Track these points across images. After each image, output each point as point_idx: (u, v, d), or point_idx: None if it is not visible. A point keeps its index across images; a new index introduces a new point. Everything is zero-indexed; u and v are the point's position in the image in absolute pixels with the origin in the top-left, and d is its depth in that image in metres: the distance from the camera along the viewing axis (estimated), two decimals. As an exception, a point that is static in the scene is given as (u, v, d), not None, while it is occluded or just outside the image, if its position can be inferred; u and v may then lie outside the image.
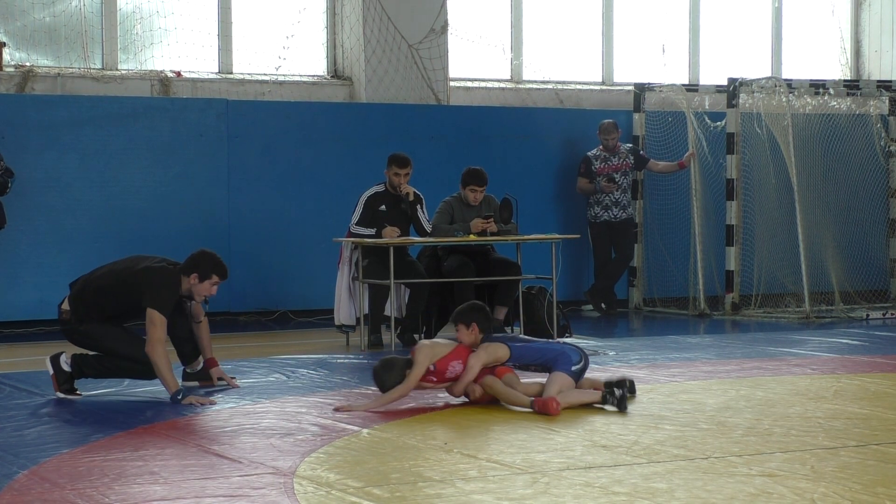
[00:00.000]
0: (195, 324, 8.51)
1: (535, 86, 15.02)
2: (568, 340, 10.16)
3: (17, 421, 7.29)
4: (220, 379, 8.51)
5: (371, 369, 7.69)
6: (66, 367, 8.20)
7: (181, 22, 13.42)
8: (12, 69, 12.71)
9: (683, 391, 8.17)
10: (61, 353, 8.28)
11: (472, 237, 11.03)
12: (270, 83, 13.71)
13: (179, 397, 7.81)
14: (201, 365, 8.57)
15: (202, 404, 7.75)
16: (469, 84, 14.70)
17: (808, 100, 14.22)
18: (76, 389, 8.20)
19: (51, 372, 8.21)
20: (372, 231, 10.93)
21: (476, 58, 14.82)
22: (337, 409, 7.43)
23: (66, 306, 8.33)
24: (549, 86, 15.05)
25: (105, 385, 8.54)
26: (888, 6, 16.61)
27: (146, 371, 8.03)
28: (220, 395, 8.16)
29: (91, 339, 8.27)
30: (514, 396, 7.49)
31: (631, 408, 7.45)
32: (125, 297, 8.12)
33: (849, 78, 16.32)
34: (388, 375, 7.50)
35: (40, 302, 12.12)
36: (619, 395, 7.45)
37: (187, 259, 8.17)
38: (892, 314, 13.51)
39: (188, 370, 8.59)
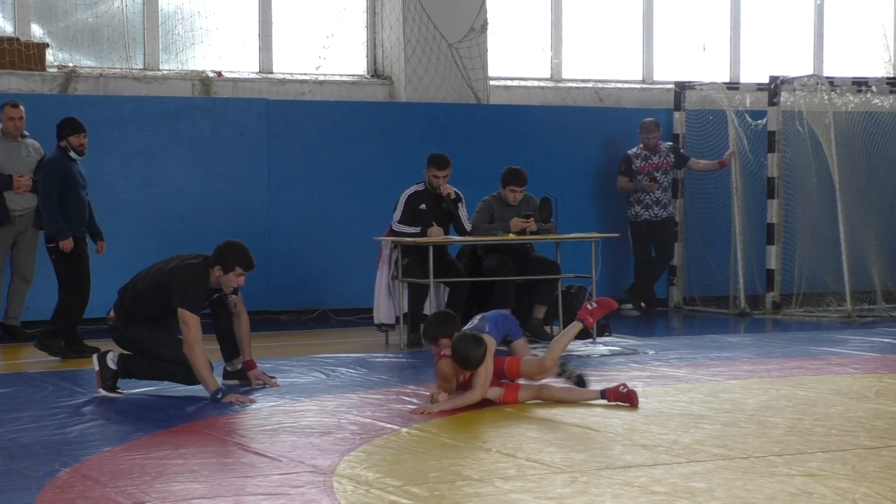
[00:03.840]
0: (234, 319, 8.54)
1: (574, 84, 14.99)
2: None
3: (60, 419, 7.35)
4: (258, 379, 8.53)
5: (455, 347, 7.42)
6: (112, 365, 8.26)
7: (222, 22, 13.49)
8: (55, 70, 12.81)
9: (723, 390, 8.14)
10: (109, 351, 8.35)
11: (511, 236, 11.03)
12: (311, 83, 13.75)
13: (219, 396, 7.84)
14: (240, 364, 8.62)
15: (242, 403, 7.79)
16: (508, 83, 14.69)
17: (851, 97, 14.14)
18: (118, 388, 8.26)
19: (96, 368, 8.27)
20: (416, 229, 10.94)
21: (515, 57, 14.81)
22: (413, 413, 7.34)
23: (111, 314, 8.44)
24: (589, 84, 15.02)
25: (146, 383, 8.60)
26: (931, 3, 16.50)
27: (190, 375, 8.07)
28: (259, 394, 8.19)
29: (137, 343, 8.33)
30: (580, 393, 7.57)
31: (671, 407, 7.43)
32: (160, 300, 8.17)
33: (892, 75, 16.20)
34: (475, 351, 7.38)
35: (82, 301, 12.19)
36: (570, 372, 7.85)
37: (214, 251, 8.20)
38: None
39: (228, 368, 8.65)
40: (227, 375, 8.60)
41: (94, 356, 8.35)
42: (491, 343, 7.62)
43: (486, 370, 7.47)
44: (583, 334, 11.06)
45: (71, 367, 9.74)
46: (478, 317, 8.03)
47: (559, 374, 7.93)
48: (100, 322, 10.64)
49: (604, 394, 7.48)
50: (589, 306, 7.70)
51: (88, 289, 10.38)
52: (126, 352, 8.40)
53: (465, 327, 7.82)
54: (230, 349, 8.63)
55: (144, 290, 8.28)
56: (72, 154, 10.32)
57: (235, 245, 8.21)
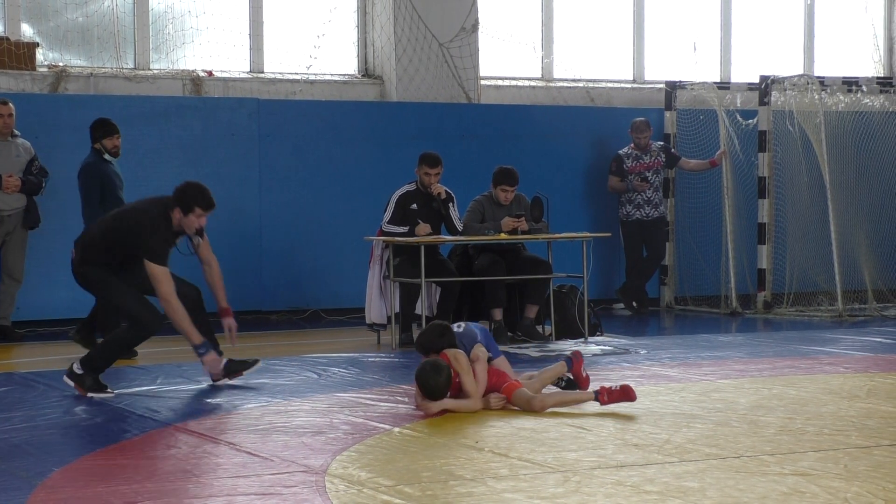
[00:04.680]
0: (205, 268, 8.40)
1: (565, 84, 15.00)
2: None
3: (51, 419, 7.34)
4: (229, 329, 8.47)
5: (417, 373, 7.41)
6: (79, 371, 8.20)
7: (213, 21, 13.47)
8: (45, 69, 12.79)
9: (715, 390, 8.15)
10: (71, 363, 8.30)
11: (503, 236, 11.04)
12: (302, 82, 13.74)
13: (202, 351, 7.81)
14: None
15: (216, 374, 7.95)
16: (500, 83, 14.69)
17: (841, 97, 14.16)
18: (106, 387, 8.21)
19: (72, 384, 8.20)
20: (404, 229, 10.94)
21: (507, 56, 14.81)
22: (418, 408, 7.38)
23: (73, 250, 8.34)
24: (580, 84, 15.03)
25: (138, 383, 8.59)
26: (922, 3, 16.53)
27: (140, 331, 8.05)
28: (252, 394, 8.17)
29: (97, 286, 8.19)
30: (576, 395, 7.52)
31: (662, 407, 7.43)
32: (122, 240, 8.04)
33: (882, 75, 16.22)
34: (437, 379, 7.35)
35: (74, 301, 12.15)
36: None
37: (173, 192, 8.07)
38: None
39: (76, 369, 8.30)
40: (71, 372, 8.33)
41: (64, 377, 8.27)
42: (485, 355, 7.59)
43: (481, 377, 7.44)
44: (576, 334, 11.12)
45: (62, 367, 9.71)
46: (461, 323, 8.02)
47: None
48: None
49: (597, 396, 7.36)
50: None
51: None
52: (83, 350, 8.35)
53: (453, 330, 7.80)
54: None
55: (109, 230, 8.15)
56: (106, 156, 10.32)
57: (193, 185, 8.08)
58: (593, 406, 7.39)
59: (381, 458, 6.15)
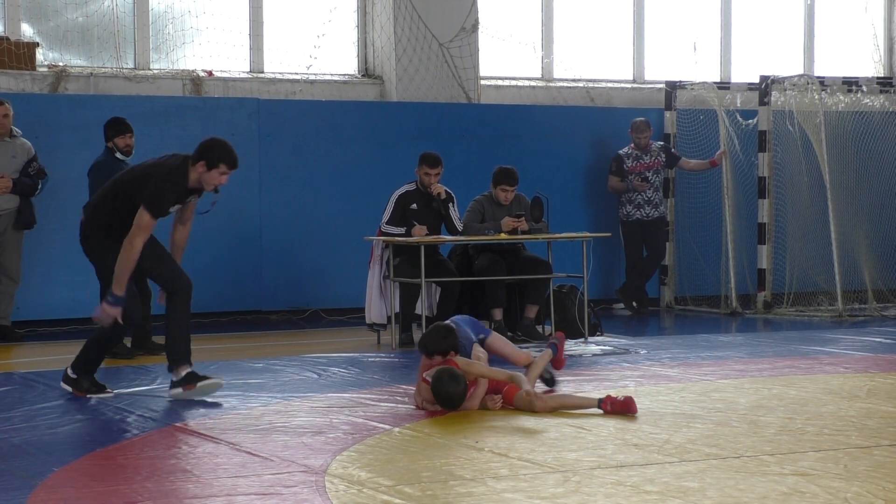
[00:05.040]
0: (178, 227, 8.17)
1: (565, 84, 15.00)
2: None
3: (51, 419, 7.33)
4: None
5: (434, 384, 7.34)
6: (73, 376, 8.15)
7: (213, 21, 13.47)
8: (45, 69, 12.79)
9: (715, 390, 8.14)
10: (65, 368, 8.25)
11: (502, 236, 11.04)
12: (302, 82, 13.74)
13: (110, 300, 7.68)
14: (186, 371, 7.96)
15: (109, 315, 7.75)
16: (500, 82, 14.69)
17: (841, 97, 14.16)
18: (104, 387, 8.18)
19: (69, 389, 8.13)
20: (402, 230, 10.94)
21: (507, 56, 14.82)
22: (418, 407, 7.40)
23: (82, 218, 8.08)
24: (580, 84, 15.03)
25: (138, 383, 8.59)
26: (922, 3, 16.53)
27: (124, 323, 7.83)
28: (252, 394, 8.17)
29: (96, 253, 7.96)
30: (578, 400, 7.51)
31: (662, 406, 7.43)
32: (129, 191, 7.79)
33: (882, 75, 16.22)
34: (456, 388, 7.31)
35: (73, 301, 12.18)
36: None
37: (196, 148, 7.86)
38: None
39: (174, 378, 7.99)
40: (173, 385, 7.99)
41: (60, 383, 8.19)
42: (483, 353, 7.65)
43: (484, 382, 7.45)
44: (576, 334, 11.12)
45: (62, 367, 9.71)
46: (458, 318, 8.11)
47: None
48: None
49: (601, 404, 7.31)
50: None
51: (130, 288, 10.22)
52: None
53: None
54: (177, 352, 8.02)
55: (120, 187, 7.91)
56: (118, 155, 10.32)
57: (221, 142, 7.90)
58: (594, 406, 7.40)
59: (381, 458, 6.15)
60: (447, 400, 7.33)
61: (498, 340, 8.13)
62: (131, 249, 7.66)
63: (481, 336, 8.08)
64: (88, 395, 8.06)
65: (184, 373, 7.96)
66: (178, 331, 8.00)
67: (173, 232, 8.25)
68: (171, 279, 7.97)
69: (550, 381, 8.04)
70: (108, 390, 8.18)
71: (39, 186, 11.42)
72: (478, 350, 7.71)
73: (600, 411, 7.26)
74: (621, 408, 7.24)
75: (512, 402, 7.42)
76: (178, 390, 7.94)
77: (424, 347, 7.68)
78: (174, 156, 7.94)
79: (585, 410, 7.31)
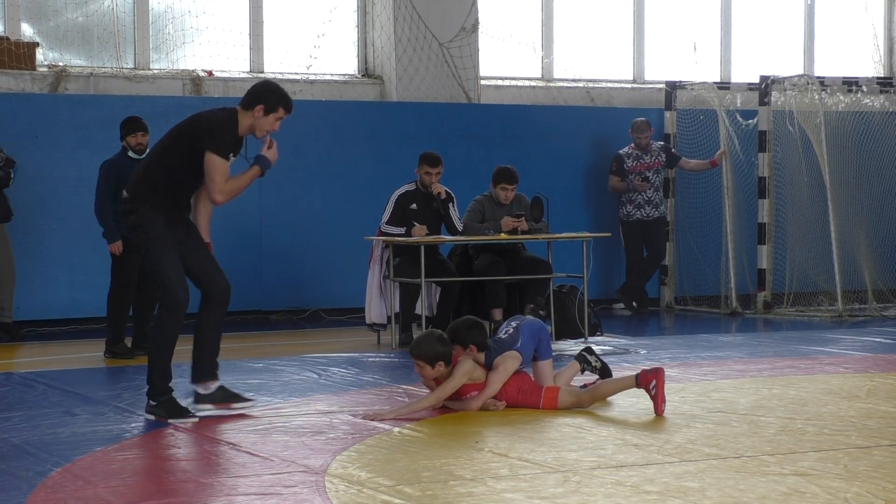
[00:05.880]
0: (200, 204, 7.61)
1: (565, 84, 15.00)
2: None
3: (51, 419, 7.33)
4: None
5: (425, 337, 7.43)
6: (153, 402, 7.29)
7: (213, 21, 13.47)
8: (45, 69, 12.79)
9: (715, 390, 8.14)
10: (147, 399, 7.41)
11: (502, 236, 11.04)
12: (301, 82, 13.74)
13: (262, 163, 7.40)
14: (217, 385, 7.47)
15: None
16: (500, 82, 14.69)
17: (841, 97, 14.16)
18: (186, 409, 7.30)
19: (154, 418, 7.25)
20: (402, 230, 10.95)
21: (507, 56, 14.82)
22: (366, 417, 7.17)
23: (125, 194, 7.45)
24: (580, 84, 15.03)
25: (138, 384, 8.59)
26: (922, 3, 16.53)
27: (174, 313, 7.23)
28: (250, 394, 8.16)
29: (145, 233, 7.29)
30: (616, 384, 7.52)
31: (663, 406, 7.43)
32: (181, 147, 7.34)
33: (882, 75, 16.22)
34: (441, 348, 7.26)
35: (73, 301, 12.20)
36: (593, 361, 7.79)
37: (246, 95, 7.46)
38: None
39: (201, 391, 7.46)
40: (198, 399, 7.43)
41: (146, 413, 7.35)
42: (514, 363, 7.43)
43: (494, 387, 7.39)
44: (576, 334, 11.12)
45: (61, 367, 9.71)
46: (514, 323, 7.71)
47: (582, 371, 7.84)
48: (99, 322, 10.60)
49: (637, 380, 7.32)
50: (650, 371, 7.32)
51: (132, 288, 10.21)
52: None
53: (500, 330, 7.73)
54: (202, 364, 7.49)
55: (170, 147, 7.40)
56: (131, 154, 10.31)
57: (276, 84, 7.56)
58: (593, 406, 7.40)
59: (381, 458, 6.15)
60: (419, 348, 7.31)
61: (545, 370, 7.70)
62: (224, 193, 7.29)
63: (536, 354, 7.63)
64: (170, 421, 7.18)
65: (213, 387, 7.42)
66: (210, 341, 7.42)
67: (197, 202, 7.63)
68: (210, 283, 7.43)
69: (604, 371, 7.88)
70: (191, 414, 7.29)
71: (12, 176, 11.32)
72: (502, 358, 7.51)
73: (640, 389, 7.31)
74: (654, 376, 7.24)
75: (557, 404, 7.37)
76: (209, 406, 7.38)
77: (453, 337, 7.43)
78: (217, 109, 7.57)
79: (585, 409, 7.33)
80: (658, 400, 7.20)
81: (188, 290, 7.31)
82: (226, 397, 7.46)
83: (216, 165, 7.25)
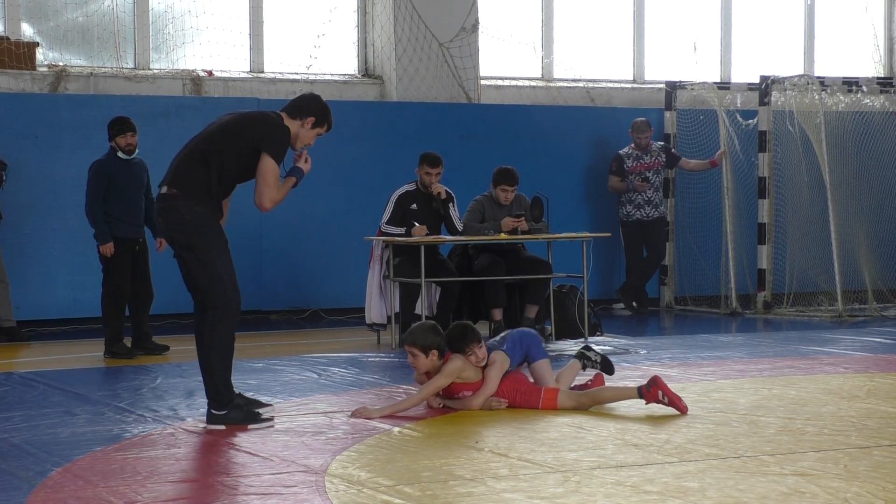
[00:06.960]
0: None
1: (565, 84, 15.00)
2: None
3: (51, 419, 7.33)
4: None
5: (418, 326, 7.50)
6: (219, 413, 6.99)
7: (213, 21, 13.47)
8: (45, 69, 12.79)
9: (715, 390, 8.14)
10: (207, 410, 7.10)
11: (502, 236, 11.04)
12: (302, 82, 13.74)
13: (296, 174, 7.23)
14: (232, 405, 7.05)
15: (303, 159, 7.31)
16: (500, 82, 14.69)
17: (841, 97, 14.16)
18: (258, 414, 7.10)
19: (223, 428, 6.94)
20: (402, 230, 10.95)
21: (507, 56, 14.82)
22: (353, 415, 7.17)
23: (165, 190, 7.16)
24: (580, 84, 15.03)
25: (138, 383, 8.58)
26: (922, 3, 16.53)
27: (230, 316, 6.98)
28: (252, 394, 8.16)
29: (199, 229, 7.05)
30: (616, 392, 7.51)
31: (663, 407, 7.42)
32: (233, 139, 7.17)
33: (882, 75, 16.22)
34: (433, 338, 7.31)
35: (73, 301, 12.19)
36: (593, 356, 7.75)
37: (295, 104, 7.38)
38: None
39: (215, 411, 7.03)
40: (213, 419, 7.04)
41: (208, 427, 6.97)
42: (504, 361, 7.47)
43: (492, 384, 7.42)
44: (576, 334, 11.12)
45: (62, 366, 9.71)
46: (503, 333, 7.82)
47: (584, 368, 7.83)
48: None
49: (643, 396, 7.31)
50: (649, 384, 7.33)
51: (125, 289, 10.21)
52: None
53: (489, 342, 7.75)
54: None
55: (222, 138, 7.15)
56: (120, 154, 10.30)
57: (323, 100, 7.51)
58: (595, 406, 7.40)
59: (381, 457, 6.15)
60: (413, 336, 7.36)
61: (543, 369, 7.70)
62: (274, 202, 7.15)
63: (528, 357, 7.64)
64: (250, 427, 6.95)
65: (224, 413, 7.03)
66: (216, 359, 7.02)
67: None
68: (229, 288, 7.02)
69: (608, 367, 7.86)
70: (263, 417, 7.08)
71: (4, 178, 11.30)
72: (496, 355, 7.52)
73: (641, 400, 7.29)
74: (655, 387, 7.22)
75: (556, 405, 7.38)
76: (221, 428, 6.95)
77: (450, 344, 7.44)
78: (262, 111, 7.47)
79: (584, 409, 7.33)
80: (674, 402, 7.21)
81: (239, 294, 7.03)
82: (247, 418, 7.08)
83: (272, 170, 7.12)
